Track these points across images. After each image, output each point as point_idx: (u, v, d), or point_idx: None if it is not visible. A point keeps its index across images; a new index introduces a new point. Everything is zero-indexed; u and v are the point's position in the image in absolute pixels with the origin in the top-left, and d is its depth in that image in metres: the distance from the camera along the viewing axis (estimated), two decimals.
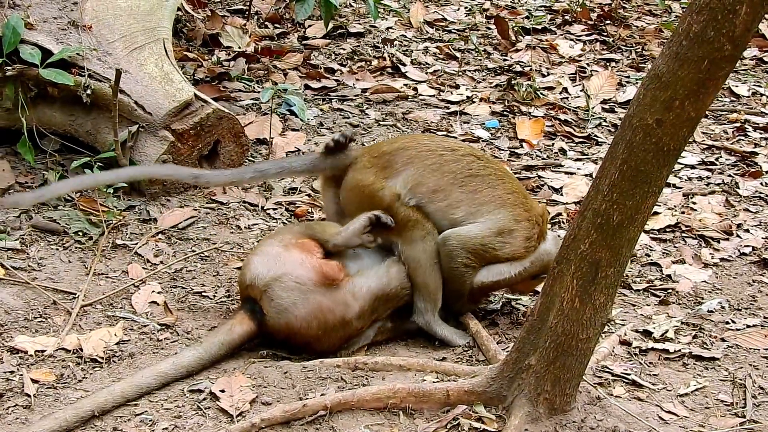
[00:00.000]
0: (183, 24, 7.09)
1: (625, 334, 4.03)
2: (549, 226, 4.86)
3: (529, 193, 4.31)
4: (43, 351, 3.83)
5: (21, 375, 3.67)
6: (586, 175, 5.52)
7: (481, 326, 4.02)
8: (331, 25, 7.39)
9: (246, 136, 5.14)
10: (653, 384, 3.73)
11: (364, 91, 6.51)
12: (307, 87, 6.52)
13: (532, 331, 3.37)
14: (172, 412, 3.50)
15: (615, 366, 3.82)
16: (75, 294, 4.18)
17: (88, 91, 4.70)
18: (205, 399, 3.57)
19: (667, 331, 4.05)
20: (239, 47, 6.95)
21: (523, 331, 3.41)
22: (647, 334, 4.07)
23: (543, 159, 5.77)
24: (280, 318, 3.79)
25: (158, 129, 4.79)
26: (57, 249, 4.47)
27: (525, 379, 3.39)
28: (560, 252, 3.26)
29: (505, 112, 6.32)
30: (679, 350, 3.94)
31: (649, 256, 4.75)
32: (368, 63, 6.96)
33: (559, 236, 4.37)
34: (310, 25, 7.49)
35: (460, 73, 6.95)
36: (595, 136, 6.08)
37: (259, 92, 6.27)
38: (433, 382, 3.59)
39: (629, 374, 3.77)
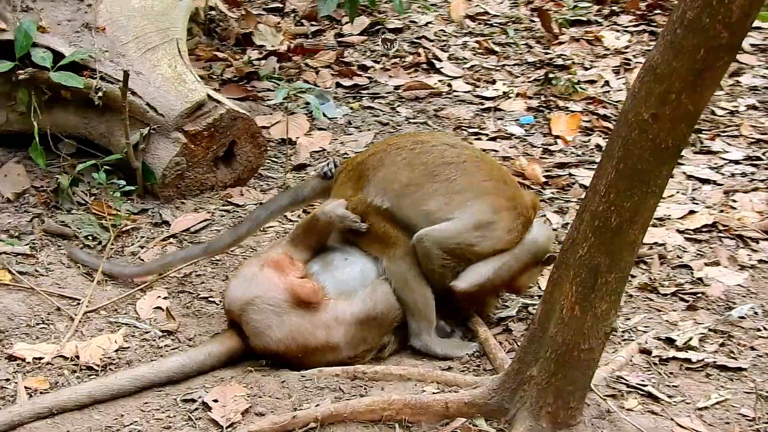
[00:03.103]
0: (216, 24, 7.01)
1: (646, 342, 3.81)
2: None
3: (516, 180, 4.10)
4: (40, 358, 3.74)
5: (16, 383, 3.59)
6: None
7: (490, 333, 3.83)
8: (368, 22, 7.28)
9: (263, 137, 5.00)
10: (671, 396, 3.51)
11: (396, 88, 6.36)
12: (338, 85, 6.39)
13: (534, 340, 3.19)
14: (162, 422, 3.39)
15: (631, 376, 3.60)
16: (79, 300, 4.09)
17: (100, 94, 4.61)
18: (197, 409, 3.45)
19: (690, 339, 3.82)
20: (272, 46, 6.85)
21: (525, 340, 3.23)
22: (670, 341, 3.84)
23: (577, 156, 5.55)
24: (258, 340, 3.67)
25: (170, 131, 4.69)
26: (66, 254, 4.39)
27: (527, 391, 3.20)
28: (559, 256, 3.08)
29: (541, 108, 6.12)
30: (703, 360, 3.71)
31: (680, 257, 4.50)
32: (402, 59, 6.79)
33: (546, 221, 4.13)
34: (346, 22, 7.35)
35: (498, 68, 6.75)
36: None
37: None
38: (433, 393, 3.42)
39: (646, 385, 3.55)
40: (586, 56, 6.99)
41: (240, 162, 4.96)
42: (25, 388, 3.57)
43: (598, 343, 3.10)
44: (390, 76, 6.51)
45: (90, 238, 4.48)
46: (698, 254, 4.55)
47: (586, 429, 3.19)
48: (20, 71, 4.60)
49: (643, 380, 3.59)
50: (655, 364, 3.72)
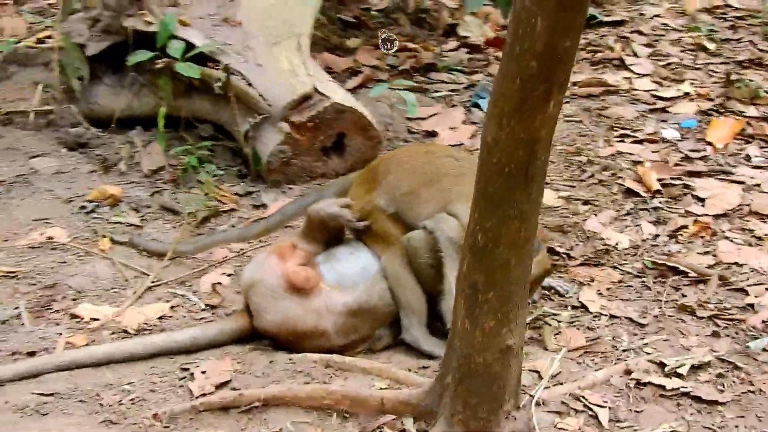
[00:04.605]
0: (428, 14, 7.25)
1: (637, 365, 3.68)
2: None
3: None
4: (96, 319, 4.25)
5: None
6: (752, 186, 4.97)
7: None
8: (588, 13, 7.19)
9: (375, 130, 5.24)
10: (620, 421, 3.40)
11: (574, 84, 6.29)
12: None
13: (451, 347, 3.26)
14: (152, 386, 3.75)
15: (594, 397, 3.52)
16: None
17: (219, 84, 5.06)
18: (184, 377, 3.80)
19: (681, 366, 3.65)
20: (476, 37, 6.98)
21: (447, 346, 3.31)
22: (662, 366, 3.69)
23: (717, 165, 5.25)
24: (258, 321, 3.98)
25: (278, 120, 5.06)
26: (169, 228, 4.90)
27: (446, 397, 3.29)
28: (459, 268, 3.13)
29: (711, 111, 5.81)
30: (678, 389, 3.54)
31: (747, 280, 4.23)
32: (594, 54, 6.69)
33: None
34: None
35: (699, 66, 6.47)
36: None
37: (461, 84, 6.32)
38: (380, 388, 3.57)
39: (603, 407, 3.46)
40: None
41: (351, 153, 5.25)
42: (66, 343, 4.09)
43: (495, 359, 3.11)
44: (573, 72, 6.43)
45: (191, 215, 4.95)
46: None
47: None
48: (158, 61, 5.15)
49: (605, 402, 3.50)
50: (629, 386, 3.59)
